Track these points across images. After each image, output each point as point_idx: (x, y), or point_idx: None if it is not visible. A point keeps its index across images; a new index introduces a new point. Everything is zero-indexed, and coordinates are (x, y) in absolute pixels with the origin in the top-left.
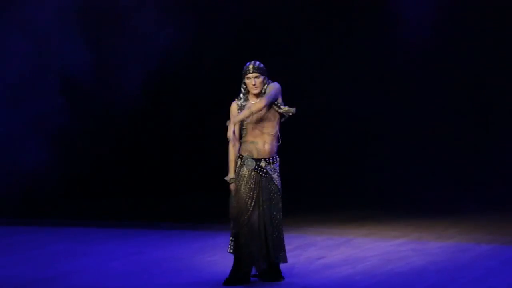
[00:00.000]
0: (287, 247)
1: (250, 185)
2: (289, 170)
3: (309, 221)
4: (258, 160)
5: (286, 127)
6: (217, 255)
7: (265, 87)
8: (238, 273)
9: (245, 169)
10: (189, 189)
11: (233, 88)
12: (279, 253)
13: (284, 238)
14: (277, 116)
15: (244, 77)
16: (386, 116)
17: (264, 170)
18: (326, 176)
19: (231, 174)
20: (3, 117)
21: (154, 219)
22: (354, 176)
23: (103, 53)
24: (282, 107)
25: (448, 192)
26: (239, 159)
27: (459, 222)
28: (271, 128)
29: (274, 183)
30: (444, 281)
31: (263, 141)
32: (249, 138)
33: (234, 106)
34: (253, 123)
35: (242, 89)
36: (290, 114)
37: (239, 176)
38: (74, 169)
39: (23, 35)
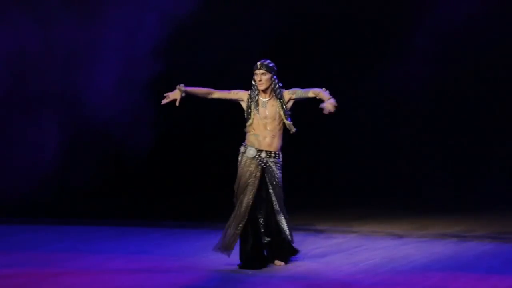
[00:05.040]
0: None
1: (250, 169)
2: (291, 168)
3: (311, 219)
4: (259, 151)
5: (293, 124)
6: (219, 254)
7: (272, 85)
8: (249, 254)
9: (245, 157)
10: (191, 187)
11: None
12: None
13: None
14: (281, 120)
15: (253, 73)
16: (387, 116)
17: (264, 161)
18: (328, 175)
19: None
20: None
21: (156, 218)
22: (357, 175)
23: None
24: (288, 120)
25: (451, 190)
26: (242, 147)
27: (462, 220)
28: (273, 126)
29: (275, 176)
30: (446, 280)
31: (264, 136)
32: (253, 130)
33: (245, 93)
34: (259, 117)
35: (252, 84)
36: (292, 131)
37: (241, 162)
38: (76, 168)
39: None
